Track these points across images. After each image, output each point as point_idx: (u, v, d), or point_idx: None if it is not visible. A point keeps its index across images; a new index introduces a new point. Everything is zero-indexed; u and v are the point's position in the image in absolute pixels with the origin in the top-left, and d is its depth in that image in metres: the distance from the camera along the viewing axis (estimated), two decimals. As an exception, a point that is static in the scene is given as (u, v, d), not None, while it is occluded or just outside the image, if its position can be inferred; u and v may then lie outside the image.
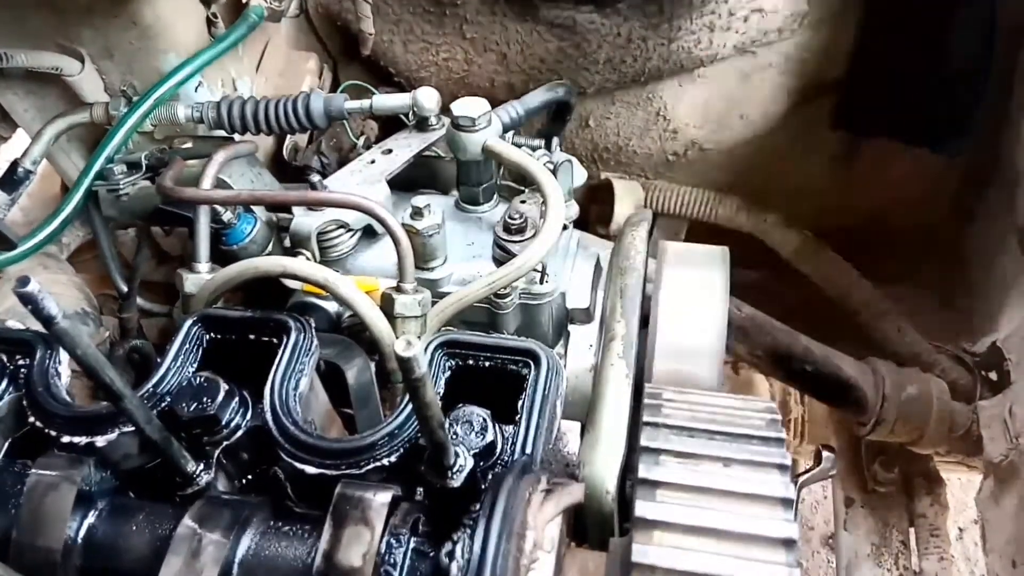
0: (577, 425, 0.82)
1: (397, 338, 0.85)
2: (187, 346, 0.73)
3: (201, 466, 0.66)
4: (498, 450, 0.63)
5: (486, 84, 1.30)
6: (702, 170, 1.32)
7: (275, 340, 0.72)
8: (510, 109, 1.01)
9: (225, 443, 0.67)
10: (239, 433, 0.67)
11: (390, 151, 1.03)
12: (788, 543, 0.51)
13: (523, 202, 0.94)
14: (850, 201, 1.10)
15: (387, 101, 1.03)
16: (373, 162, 1.01)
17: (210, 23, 1.05)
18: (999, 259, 1.10)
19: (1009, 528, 0.97)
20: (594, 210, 1.36)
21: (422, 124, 1.05)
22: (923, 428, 1.20)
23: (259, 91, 1.20)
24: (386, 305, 0.86)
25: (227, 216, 0.93)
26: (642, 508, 0.53)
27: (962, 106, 1.11)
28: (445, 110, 1.01)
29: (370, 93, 1.07)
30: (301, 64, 1.29)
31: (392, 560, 0.55)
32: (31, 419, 0.68)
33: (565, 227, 0.97)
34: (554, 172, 0.95)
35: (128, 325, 1.13)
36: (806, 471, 1.14)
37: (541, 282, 0.91)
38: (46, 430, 0.67)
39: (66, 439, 0.66)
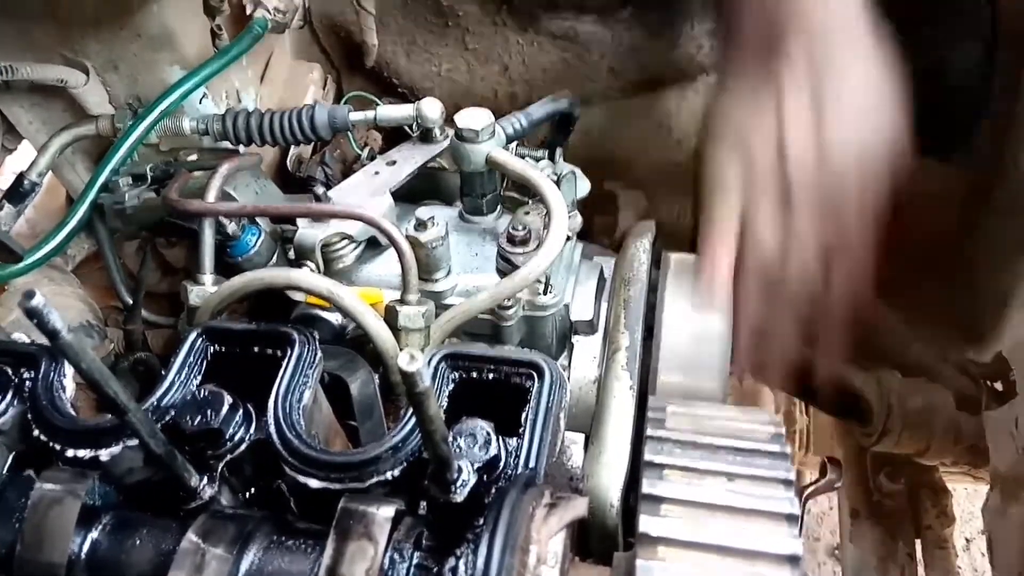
0: (581, 437, 0.82)
1: (401, 350, 0.85)
2: (191, 359, 0.73)
3: (205, 480, 0.65)
4: (501, 464, 0.63)
5: (489, 95, 1.31)
6: (706, 180, 1.32)
7: (279, 352, 0.72)
8: (513, 120, 1.02)
9: (229, 456, 0.67)
10: (243, 446, 0.67)
11: (394, 162, 1.03)
12: (793, 559, 0.51)
13: (527, 213, 0.94)
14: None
15: (391, 112, 1.04)
16: (377, 173, 1.01)
17: (214, 35, 1.06)
18: (1005, 269, 1.10)
19: (1016, 540, 0.97)
20: (598, 220, 1.36)
21: (426, 135, 1.06)
22: (929, 439, 1.19)
23: (263, 102, 1.21)
24: (390, 317, 0.86)
25: (231, 228, 0.94)
26: (646, 523, 0.53)
27: (966, 114, 1.10)
28: (449, 121, 1.01)
29: (374, 104, 1.07)
30: (305, 75, 1.29)
31: (395, 575, 0.55)
32: (35, 432, 0.68)
33: (568, 238, 0.97)
34: (557, 183, 0.95)
35: (133, 337, 1.14)
36: (811, 483, 1.13)
37: (544, 293, 0.91)
38: (50, 443, 0.67)
39: (70, 453, 0.66)
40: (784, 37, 0.87)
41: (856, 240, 0.90)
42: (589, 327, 0.96)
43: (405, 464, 0.63)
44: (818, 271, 0.90)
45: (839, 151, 0.87)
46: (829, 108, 0.87)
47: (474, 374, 0.70)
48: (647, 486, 0.55)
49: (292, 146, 1.20)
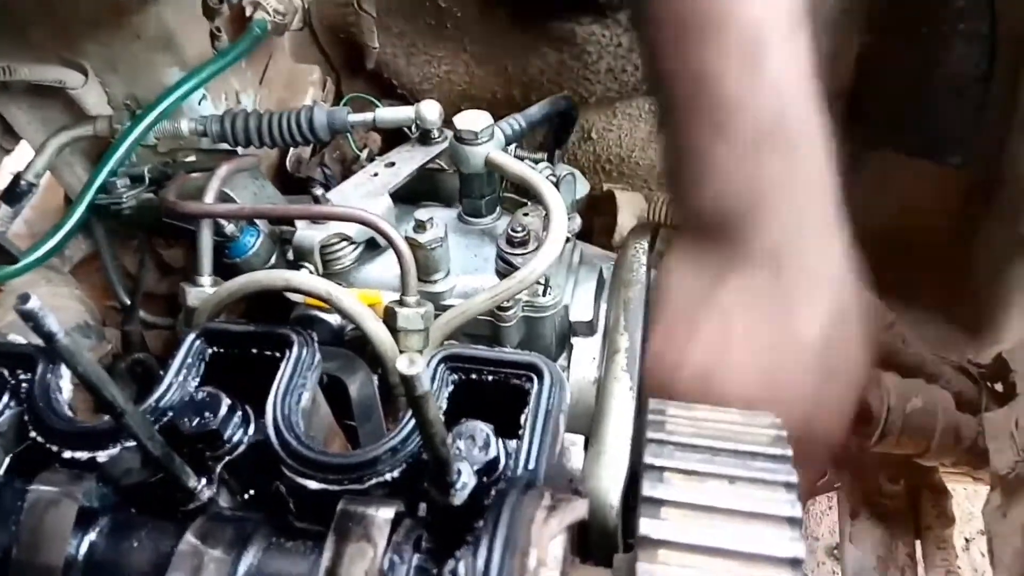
0: (580, 439, 0.81)
1: (400, 351, 0.85)
2: (189, 360, 0.72)
3: (203, 481, 0.65)
4: (501, 466, 0.62)
5: (488, 96, 1.30)
6: (705, 181, 1.32)
7: (277, 354, 0.72)
8: (512, 122, 1.02)
9: (227, 458, 0.66)
10: (241, 448, 0.67)
11: (393, 164, 1.03)
12: (795, 563, 0.50)
13: (526, 215, 0.94)
14: (854, 214, 1.11)
15: (390, 114, 1.04)
16: (376, 175, 1.01)
17: (213, 37, 1.06)
18: (1004, 270, 1.10)
19: (1016, 541, 0.96)
20: (597, 222, 1.36)
21: (425, 137, 1.06)
22: (929, 440, 1.19)
23: (262, 104, 1.20)
24: (389, 318, 0.86)
25: (230, 229, 0.94)
26: (646, 526, 0.53)
27: (966, 117, 1.10)
28: (448, 123, 1.01)
29: (373, 106, 1.07)
30: (304, 77, 1.29)
31: (394, 577, 0.54)
32: (32, 434, 0.68)
33: (568, 239, 0.97)
34: (556, 185, 0.95)
35: (131, 338, 1.13)
36: (811, 484, 1.12)
37: (544, 295, 0.91)
38: (47, 445, 0.67)
39: (67, 454, 0.66)
40: (742, 235, 0.75)
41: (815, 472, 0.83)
42: (588, 328, 0.96)
43: (404, 466, 0.63)
44: None
45: (789, 389, 0.74)
46: (785, 338, 0.74)
47: (473, 376, 0.70)
48: (647, 488, 0.55)
49: (291, 147, 1.19)
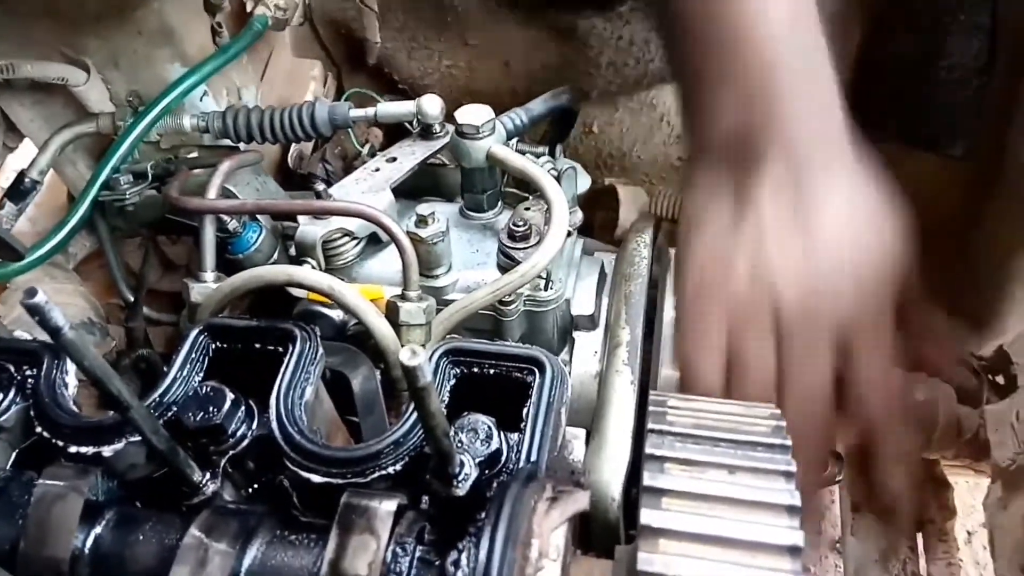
0: (582, 432, 0.82)
1: (402, 346, 0.85)
2: (193, 355, 0.73)
3: (207, 475, 0.66)
4: (503, 458, 0.63)
5: (490, 90, 1.31)
6: (706, 175, 1.32)
7: (280, 349, 0.72)
8: (514, 116, 1.02)
9: (231, 452, 0.67)
10: (245, 442, 0.67)
11: (394, 159, 1.03)
12: (794, 550, 0.51)
13: (527, 209, 0.94)
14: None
15: (391, 109, 1.04)
16: (378, 170, 1.02)
17: (215, 32, 1.06)
18: (1007, 262, 1.10)
19: (1018, 533, 0.97)
20: (599, 216, 1.36)
21: (426, 132, 1.06)
22: (930, 433, 1.19)
23: (264, 99, 1.21)
24: (391, 313, 0.86)
25: (232, 225, 0.94)
26: (647, 516, 0.53)
27: (966, 108, 1.10)
28: (449, 117, 1.01)
29: (374, 101, 1.07)
30: (306, 72, 1.30)
31: (398, 569, 0.55)
32: (38, 429, 0.69)
33: (569, 234, 0.98)
34: (558, 179, 0.95)
35: (135, 334, 1.14)
36: (813, 476, 1.12)
37: (545, 289, 0.91)
38: (53, 440, 0.68)
39: (73, 449, 0.67)
40: (759, 146, 0.78)
41: (874, 359, 0.82)
42: (590, 322, 0.96)
43: (407, 459, 0.63)
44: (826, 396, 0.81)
45: (832, 279, 0.77)
46: (815, 231, 0.77)
47: (475, 369, 0.70)
48: (648, 479, 0.56)
49: (293, 143, 1.20)
